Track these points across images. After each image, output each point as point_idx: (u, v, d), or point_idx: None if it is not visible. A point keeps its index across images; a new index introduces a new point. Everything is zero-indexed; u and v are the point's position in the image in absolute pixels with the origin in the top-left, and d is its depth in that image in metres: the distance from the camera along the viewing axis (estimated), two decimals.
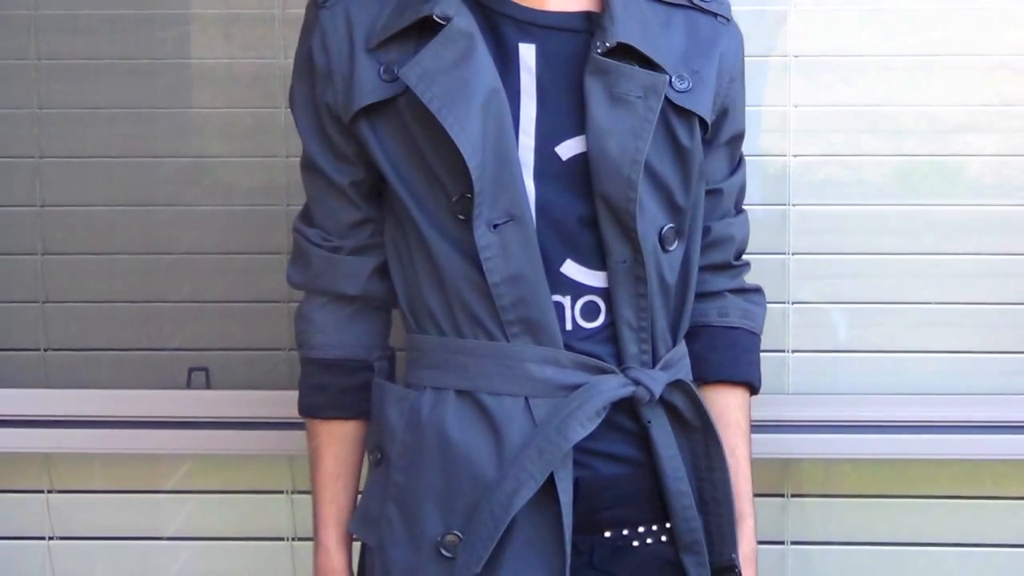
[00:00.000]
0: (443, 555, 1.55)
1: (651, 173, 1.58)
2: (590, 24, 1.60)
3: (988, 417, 2.06)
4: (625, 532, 1.62)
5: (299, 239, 1.70)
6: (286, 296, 2.12)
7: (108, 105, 2.17)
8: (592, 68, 1.57)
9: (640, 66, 1.57)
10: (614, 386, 1.56)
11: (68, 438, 2.12)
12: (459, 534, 1.55)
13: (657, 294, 1.60)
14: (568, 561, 1.53)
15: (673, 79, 1.59)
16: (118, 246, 2.18)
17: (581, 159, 1.57)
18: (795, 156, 2.12)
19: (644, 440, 1.61)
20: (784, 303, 2.12)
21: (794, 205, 2.12)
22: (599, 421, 1.55)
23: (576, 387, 1.56)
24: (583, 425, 1.53)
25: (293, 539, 2.21)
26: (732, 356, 1.75)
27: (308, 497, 1.74)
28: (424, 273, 1.60)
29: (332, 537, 1.69)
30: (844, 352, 2.14)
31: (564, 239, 1.58)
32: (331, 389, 1.69)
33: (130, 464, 2.21)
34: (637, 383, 1.57)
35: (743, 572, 1.67)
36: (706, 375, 1.73)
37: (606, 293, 1.59)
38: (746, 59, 1.73)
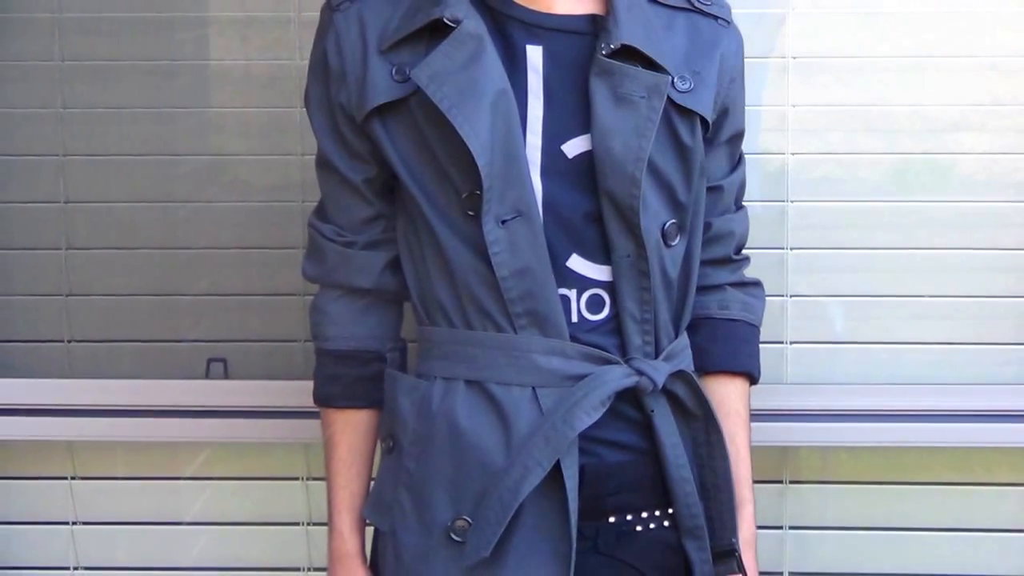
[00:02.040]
0: (453, 539, 1.56)
1: (654, 170, 1.58)
2: (595, 26, 1.61)
3: (979, 406, 2.07)
4: (629, 517, 1.62)
5: (314, 234, 1.71)
6: (301, 289, 2.13)
7: (129, 105, 2.18)
8: (597, 69, 1.58)
9: (643, 67, 1.58)
10: (618, 376, 1.58)
11: (91, 426, 2.13)
12: (468, 519, 1.56)
13: (660, 287, 1.61)
14: (574, 545, 1.54)
15: (675, 80, 1.60)
16: (139, 241, 2.19)
17: (587, 157, 1.58)
18: (793, 154, 2.13)
19: (647, 428, 1.62)
20: (783, 296, 2.13)
21: (792, 201, 2.13)
22: (604, 410, 1.56)
23: (582, 377, 1.57)
24: (588, 414, 1.54)
25: (308, 524, 2.22)
26: (732, 347, 1.76)
27: (323, 484, 1.74)
28: (435, 267, 1.61)
29: (346, 522, 1.70)
30: (841, 344, 2.15)
31: (570, 234, 1.59)
32: (345, 379, 1.70)
33: (151, 452, 2.23)
34: (640, 373, 1.59)
35: (743, 556, 1.67)
36: (707, 366, 1.74)
37: (611, 286, 1.60)
38: (746, 60, 1.74)
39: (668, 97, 1.59)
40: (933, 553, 2.19)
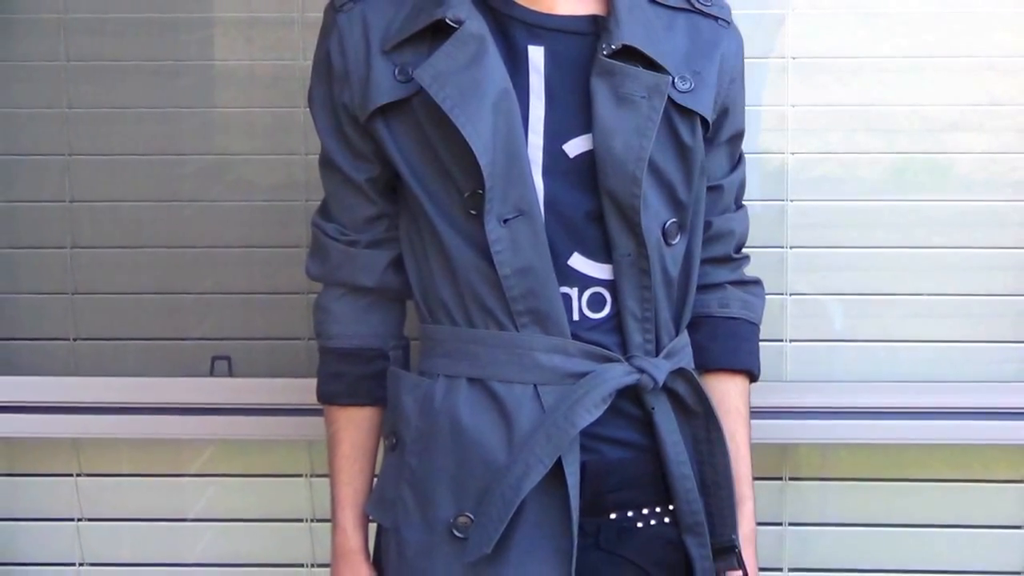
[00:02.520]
0: (456, 536, 1.57)
1: (655, 170, 1.59)
2: (596, 27, 1.62)
3: (977, 404, 2.07)
4: (630, 514, 1.63)
5: (317, 233, 1.71)
6: (305, 288, 2.13)
7: (134, 105, 2.18)
8: (598, 69, 1.58)
9: (644, 67, 1.59)
10: (619, 374, 1.58)
11: (96, 424, 2.14)
12: (471, 516, 1.56)
13: (660, 286, 1.62)
14: (575, 542, 1.55)
15: (676, 80, 1.61)
16: (144, 240, 2.20)
17: (588, 156, 1.58)
18: (793, 154, 2.13)
19: (648, 426, 1.62)
20: (782, 294, 2.14)
21: (792, 201, 2.14)
22: (605, 408, 1.56)
23: (583, 375, 1.57)
24: (590, 411, 1.55)
25: (312, 521, 2.23)
26: (732, 345, 1.77)
27: (326, 480, 1.75)
28: (437, 266, 1.62)
29: (349, 519, 1.71)
30: (840, 341, 2.16)
31: (571, 233, 1.59)
32: (348, 377, 1.71)
33: (155, 449, 2.23)
34: (641, 371, 1.59)
35: (743, 552, 1.68)
36: (707, 363, 1.75)
37: (612, 285, 1.61)
38: (746, 60, 1.75)
39: (669, 97, 1.60)
40: (931, 549, 2.19)
